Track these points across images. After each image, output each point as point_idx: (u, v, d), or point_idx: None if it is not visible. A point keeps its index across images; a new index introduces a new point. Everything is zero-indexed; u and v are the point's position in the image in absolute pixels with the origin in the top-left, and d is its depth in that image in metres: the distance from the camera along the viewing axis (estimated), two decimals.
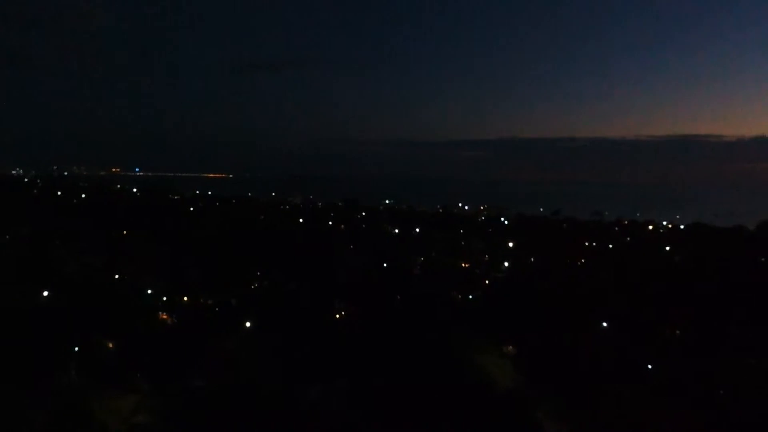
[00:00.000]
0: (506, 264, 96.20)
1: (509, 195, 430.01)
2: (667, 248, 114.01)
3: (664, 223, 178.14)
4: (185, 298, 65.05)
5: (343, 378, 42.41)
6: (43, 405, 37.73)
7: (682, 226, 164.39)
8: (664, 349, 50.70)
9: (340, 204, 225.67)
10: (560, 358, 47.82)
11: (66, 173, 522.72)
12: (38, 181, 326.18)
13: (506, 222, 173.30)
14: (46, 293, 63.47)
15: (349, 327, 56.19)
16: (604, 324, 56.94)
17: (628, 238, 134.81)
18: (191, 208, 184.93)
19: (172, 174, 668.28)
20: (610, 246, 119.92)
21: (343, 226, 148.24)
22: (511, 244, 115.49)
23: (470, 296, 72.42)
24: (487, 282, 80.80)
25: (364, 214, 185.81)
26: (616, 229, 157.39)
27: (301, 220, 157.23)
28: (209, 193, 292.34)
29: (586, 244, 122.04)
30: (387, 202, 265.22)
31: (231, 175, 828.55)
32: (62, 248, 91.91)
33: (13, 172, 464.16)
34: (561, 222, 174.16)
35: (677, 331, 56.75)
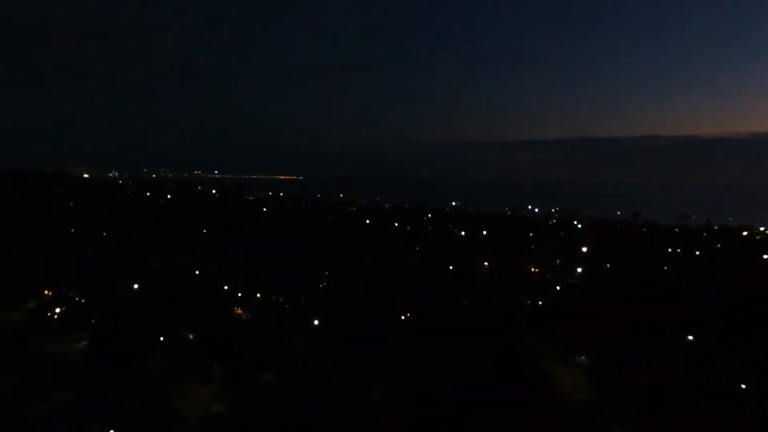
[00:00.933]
0: (579, 269, 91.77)
1: (583, 197, 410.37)
2: (766, 257, 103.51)
3: (761, 228, 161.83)
4: (258, 295, 68.05)
5: (406, 379, 42.42)
6: (131, 390, 41.05)
7: None
8: (756, 368, 45.96)
9: (406, 206, 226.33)
10: (639, 370, 44.84)
11: (154, 175, 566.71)
12: (130, 182, 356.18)
13: (579, 225, 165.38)
14: (135, 286, 69.14)
15: (414, 329, 56.10)
16: (690, 337, 52.69)
17: (719, 245, 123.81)
18: (264, 209, 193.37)
19: (247, 176, 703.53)
20: (697, 253, 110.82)
21: (409, 227, 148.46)
22: (584, 249, 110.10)
23: (540, 302, 69.85)
24: (558, 288, 77.52)
25: (430, 215, 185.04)
26: (704, 234, 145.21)
27: (367, 222, 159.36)
28: (281, 194, 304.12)
29: (670, 250, 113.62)
30: (453, 204, 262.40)
31: (301, 177, 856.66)
32: (150, 245, 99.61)
33: (110, 174, 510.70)
34: (640, 226, 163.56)
35: None
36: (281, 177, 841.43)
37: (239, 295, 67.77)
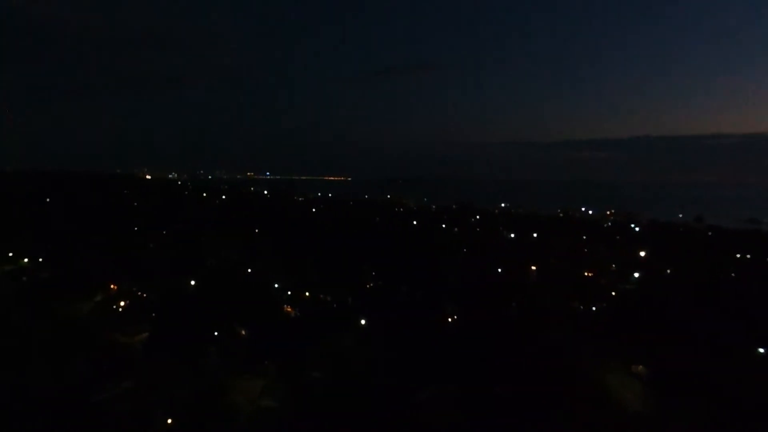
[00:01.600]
0: (637, 275, 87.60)
1: (641, 198, 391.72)
2: None
3: None
4: (307, 294, 69.50)
5: (454, 382, 41.97)
6: (187, 381, 42.98)
7: None
8: None
9: (453, 207, 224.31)
10: (701, 383, 42.21)
11: (210, 177, 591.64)
12: (189, 183, 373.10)
13: (637, 228, 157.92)
14: (192, 282, 72.40)
15: (461, 331, 55.47)
16: (761, 350, 49.07)
17: None
18: (313, 209, 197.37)
19: (297, 177, 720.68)
20: None
21: (456, 229, 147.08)
22: (642, 253, 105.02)
23: (594, 308, 67.24)
24: (613, 293, 74.33)
25: (478, 217, 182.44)
26: None
27: (414, 223, 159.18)
28: (329, 195, 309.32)
29: (738, 255, 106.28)
30: (503, 205, 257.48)
31: (349, 178, 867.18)
32: (206, 243, 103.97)
33: (170, 176, 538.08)
34: (705, 230, 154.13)
35: None
36: (330, 178, 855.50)
37: (288, 293, 69.45)
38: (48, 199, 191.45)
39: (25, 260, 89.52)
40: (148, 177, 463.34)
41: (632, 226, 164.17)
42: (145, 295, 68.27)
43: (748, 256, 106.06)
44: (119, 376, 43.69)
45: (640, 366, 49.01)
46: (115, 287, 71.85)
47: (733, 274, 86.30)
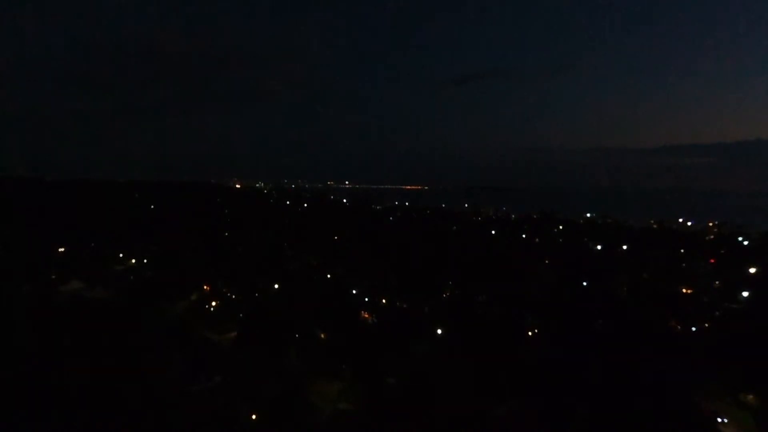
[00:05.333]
0: (745, 294, 78.79)
1: (749, 209, 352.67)
2: None
3: None
4: (384, 301, 70.17)
5: (535, 397, 40.19)
6: (270, 379, 45.06)
7: None
8: None
9: (534, 216, 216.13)
10: None
11: (293, 186, 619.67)
12: (273, 192, 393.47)
13: (745, 242, 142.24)
14: (276, 285, 76.00)
15: (542, 345, 53.05)
16: None
17: None
18: (390, 218, 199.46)
19: (375, 186, 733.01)
20: None
21: (537, 239, 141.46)
22: (752, 270, 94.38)
23: (694, 328, 61.39)
24: (717, 313, 67.38)
25: (561, 227, 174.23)
26: None
27: (493, 232, 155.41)
28: (406, 203, 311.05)
29: None
30: (588, 215, 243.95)
31: (426, 187, 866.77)
32: (289, 248, 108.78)
33: (257, 185, 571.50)
34: None
35: None
36: (408, 187, 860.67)
37: (366, 299, 70.53)
38: (152, 206, 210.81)
39: (133, 261, 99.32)
40: (238, 186, 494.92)
41: (740, 239, 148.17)
42: (233, 296, 72.61)
43: None
44: (210, 372, 46.83)
45: (751, 395, 43.92)
46: (208, 288, 77.15)
47: None
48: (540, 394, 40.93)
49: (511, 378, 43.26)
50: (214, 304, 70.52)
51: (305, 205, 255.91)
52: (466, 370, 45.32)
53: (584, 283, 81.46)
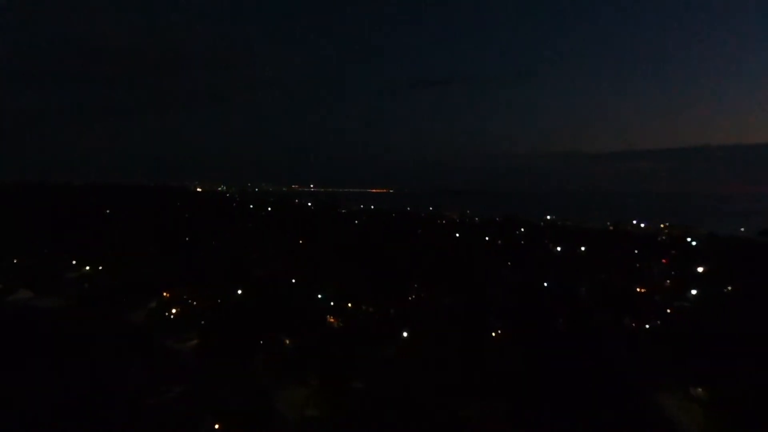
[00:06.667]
0: (694, 292, 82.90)
1: (699, 211, 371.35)
2: None
3: None
4: (349, 305, 69.89)
5: (500, 397, 40.92)
6: (234, 388, 44.11)
7: None
8: None
9: (497, 219, 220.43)
10: (762, 406, 39.16)
11: (257, 189, 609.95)
12: (236, 196, 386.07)
13: (694, 243, 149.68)
14: (239, 292, 74.44)
15: (506, 346, 54.11)
16: None
17: None
18: (356, 221, 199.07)
19: (340, 189, 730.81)
20: None
21: (500, 242, 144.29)
22: (700, 269, 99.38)
23: (647, 326, 64.08)
24: (669, 311, 70.57)
25: (523, 230, 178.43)
26: None
27: (457, 235, 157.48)
28: (372, 207, 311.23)
29: None
30: (548, 217, 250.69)
31: (392, 190, 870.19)
32: (252, 254, 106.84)
33: (219, 188, 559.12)
34: None
35: None
36: (373, 190, 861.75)
37: (332, 303, 70.08)
38: (108, 211, 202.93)
39: (87, 268, 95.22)
40: (199, 190, 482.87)
41: (689, 240, 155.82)
42: (195, 303, 70.70)
43: None
44: (171, 381, 45.40)
45: (699, 388, 46.12)
46: (168, 295, 74.85)
47: None
48: (506, 393, 41.75)
49: (477, 379, 43.90)
50: (174, 311, 68.41)
51: (269, 209, 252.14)
52: (432, 373, 45.70)
53: (545, 284, 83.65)
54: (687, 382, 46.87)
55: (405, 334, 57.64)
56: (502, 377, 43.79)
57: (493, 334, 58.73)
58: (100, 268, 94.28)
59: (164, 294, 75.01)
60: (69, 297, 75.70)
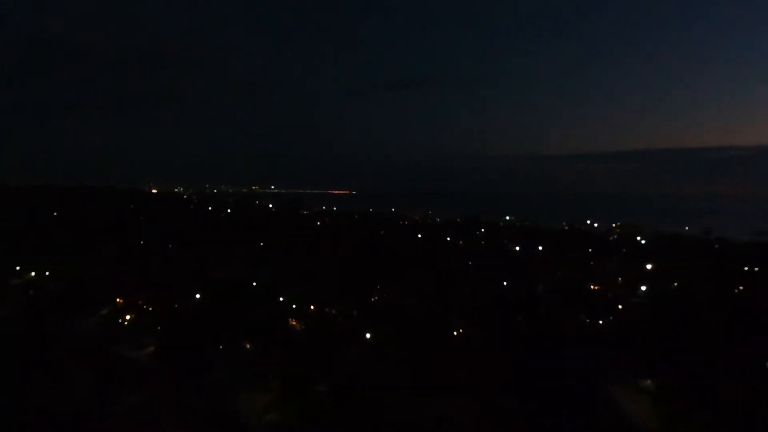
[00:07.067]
0: (644, 288, 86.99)
1: (649, 211, 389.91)
2: None
3: None
4: (312, 307, 69.45)
5: (466, 396, 41.65)
6: (193, 395, 42.96)
7: None
8: None
9: (458, 220, 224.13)
10: (711, 398, 41.68)
11: (216, 191, 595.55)
12: (194, 197, 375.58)
13: (643, 242, 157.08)
14: (198, 296, 72.58)
15: (468, 345, 55.15)
16: None
17: None
18: (318, 223, 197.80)
19: (302, 191, 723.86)
20: None
21: (461, 242, 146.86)
22: (649, 266, 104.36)
23: (601, 322, 66.76)
24: (620, 307, 73.79)
25: (483, 230, 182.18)
26: None
27: (420, 236, 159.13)
28: (334, 208, 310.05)
29: (746, 269, 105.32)
30: (508, 218, 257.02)
31: (354, 192, 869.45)
32: (211, 257, 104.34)
33: (176, 189, 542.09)
34: (712, 243, 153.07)
35: None
36: (335, 192, 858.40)
37: (294, 306, 69.43)
38: (55, 213, 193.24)
39: (32, 274, 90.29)
40: (155, 191, 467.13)
41: (638, 239, 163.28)
42: (151, 308, 68.47)
43: (756, 269, 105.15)
44: (126, 390, 43.75)
45: (648, 380, 48.51)
46: (121, 301, 72.14)
47: (741, 287, 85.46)
48: (469, 390, 42.53)
49: (440, 377, 44.52)
50: (128, 317, 65.97)
51: (228, 210, 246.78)
52: (396, 372, 46.03)
53: (505, 283, 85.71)
54: (637, 374, 49.26)
55: (368, 335, 57.79)
56: (465, 375, 44.57)
57: (455, 333, 59.74)
58: (47, 273, 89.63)
59: (117, 300, 72.22)
60: (13, 305, 71.62)
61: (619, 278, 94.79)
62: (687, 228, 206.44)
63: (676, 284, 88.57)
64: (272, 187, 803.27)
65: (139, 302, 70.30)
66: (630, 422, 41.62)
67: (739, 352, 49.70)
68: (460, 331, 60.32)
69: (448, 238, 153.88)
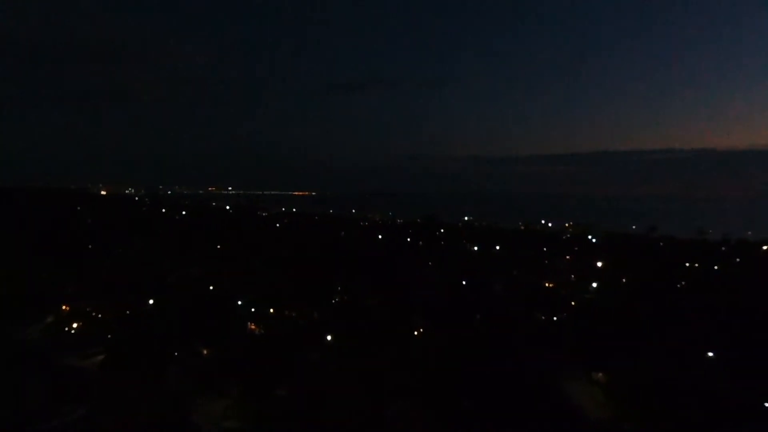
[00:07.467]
0: (594, 285, 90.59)
1: (598, 211, 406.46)
2: None
3: None
4: (271, 310, 68.27)
5: (424, 395, 42.04)
6: (146, 404, 41.31)
7: None
8: None
9: (418, 220, 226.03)
10: (658, 388, 43.89)
11: (170, 192, 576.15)
12: (147, 199, 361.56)
13: (594, 240, 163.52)
14: (151, 301, 69.89)
15: (428, 344, 55.69)
16: (710, 354, 51.50)
17: (738, 260, 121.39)
18: (277, 225, 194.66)
19: (260, 192, 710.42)
20: (716, 268, 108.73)
21: (421, 242, 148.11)
22: (599, 264, 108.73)
23: (555, 318, 68.98)
24: (573, 303, 76.51)
25: (442, 230, 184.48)
26: (723, 249, 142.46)
27: (380, 237, 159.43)
28: (293, 210, 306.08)
29: (687, 265, 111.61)
30: (466, 218, 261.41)
31: (314, 193, 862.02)
32: (165, 260, 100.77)
33: (127, 191, 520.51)
34: (657, 240, 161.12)
35: None
36: (296, 193, 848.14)
37: (252, 310, 68.08)
38: None
39: None
40: (104, 193, 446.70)
41: (590, 237, 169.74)
42: (99, 315, 65.48)
43: (697, 264, 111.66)
44: (73, 402, 41.62)
45: (600, 373, 50.61)
46: (68, 308, 68.62)
47: (683, 282, 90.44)
48: (427, 390, 42.95)
49: (401, 378, 44.74)
50: (75, 325, 62.81)
51: (183, 212, 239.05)
52: (356, 375, 45.90)
53: (464, 282, 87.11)
54: (589, 367, 51.30)
55: (329, 338, 57.38)
56: (423, 376, 45.00)
57: (415, 333, 60.20)
58: None
59: (63, 307, 68.63)
60: None
61: (572, 276, 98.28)
62: (634, 227, 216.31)
63: (624, 280, 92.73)
64: (230, 188, 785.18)
65: (87, 309, 67.09)
66: (582, 414, 43.25)
67: (682, 344, 52.58)
68: (421, 330, 60.86)
69: (408, 239, 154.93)
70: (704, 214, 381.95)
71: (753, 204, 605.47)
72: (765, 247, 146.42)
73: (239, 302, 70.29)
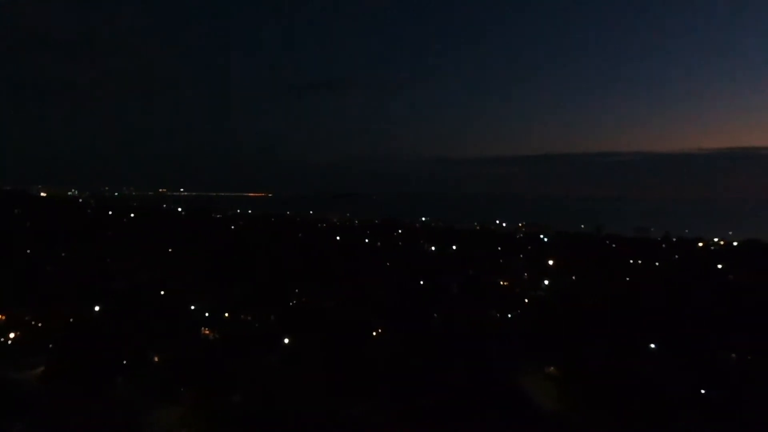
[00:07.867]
0: (546, 282, 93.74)
1: (550, 212, 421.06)
2: (720, 266, 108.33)
3: (716, 240, 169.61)
4: (226, 315, 66.54)
5: (385, 396, 42.09)
6: (92, 416, 39.28)
7: (735, 243, 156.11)
8: (720, 373, 47.78)
9: (376, 222, 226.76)
10: (607, 380, 45.87)
11: (117, 194, 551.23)
12: (91, 201, 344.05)
13: (546, 239, 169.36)
14: (97, 308, 66.56)
15: (387, 345, 55.87)
16: (652, 345, 54.36)
17: (676, 256, 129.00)
18: (232, 227, 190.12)
19: (215, 193, 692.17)
20: (657, 264, 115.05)
21: (379, 243, 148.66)
22: (551, 262, 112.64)
23: (509, 315, 70.81)
24: (526, 301, 78.85)
25: (400, 231, 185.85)
26: (663, 246, 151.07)
27: (338, 238, 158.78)
28: (249, 212, 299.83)
29: (631, 261, 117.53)
30: (423, 219, 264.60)
31: (270, 194, 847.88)
32: (113, 265, 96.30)
33: (69, 193, 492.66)
34: (603, 239, 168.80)
35: (733, 355, 53.48)
36: (251, 194, 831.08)
37: (206, 314, 66.10)
38: None
39: None
40: (44, 195, 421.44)
41: (541, 237, 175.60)
42: (39, 324, 61.74)
43: (640, 261, 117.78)
44: (10, 417, 38.99)
45: (552, 367, 52.35)
46: (3, 317, 64.32)
47: (627, 278, 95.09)
48: (387, 390, 43.06)
49: (360, 378, 44.62)
50: (12, 335, 58.94)
51: (132, 215, 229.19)
52: (315, 376, 45.42)
53: (421, 282, 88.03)
54: (542, 362, 52.97)
55: (286, 341, 56.52)
56: (383, 375, 45.09)
57: (374, 334, 60.25)
58: None
59: None
60: None
61: (525, 274, 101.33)
62: (582, 226, 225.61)
63: (574, 277, 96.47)
64: (181, 189, 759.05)
65: (26, 318, 63.11)
66: (537, 407, 44.59)
67: (629, 337, 55.20)
68: (379, 331, 60.96)
69: (366, 240, 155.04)
70: (649, 215, 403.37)
71: (694, 205, 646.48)
72: (700, 244, 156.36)
73: (192, 307, 68.10)
